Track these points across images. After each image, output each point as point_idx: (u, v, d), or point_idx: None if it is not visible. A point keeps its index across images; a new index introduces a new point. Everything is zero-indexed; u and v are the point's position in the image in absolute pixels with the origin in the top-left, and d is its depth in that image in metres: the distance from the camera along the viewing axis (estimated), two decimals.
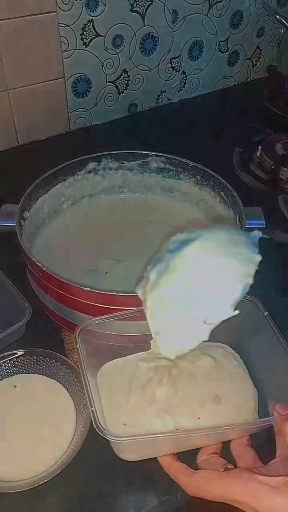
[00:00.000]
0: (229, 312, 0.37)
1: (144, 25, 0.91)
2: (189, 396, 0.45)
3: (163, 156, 0.65)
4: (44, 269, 0.48)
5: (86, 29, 0.85)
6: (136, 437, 0.41)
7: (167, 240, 0.40)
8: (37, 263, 0.48)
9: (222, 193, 0.60)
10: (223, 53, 1.05)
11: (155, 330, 0.39)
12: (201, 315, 0.37)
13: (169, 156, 0.64)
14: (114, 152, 0.65)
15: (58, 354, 0.50)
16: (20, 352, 0.49)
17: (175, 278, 0.37)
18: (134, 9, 0.88)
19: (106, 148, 0.67)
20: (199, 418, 0.44)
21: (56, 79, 0.88)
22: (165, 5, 0.90)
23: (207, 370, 0.48)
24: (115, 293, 0.46)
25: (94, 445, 0.44)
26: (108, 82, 0.94)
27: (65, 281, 0.47)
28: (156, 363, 0.48)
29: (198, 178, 0.63)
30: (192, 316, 0.37)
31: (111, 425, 0.43)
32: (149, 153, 0.65)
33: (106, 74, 0.93)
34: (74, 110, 0.93)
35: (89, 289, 0.46)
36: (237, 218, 0.55)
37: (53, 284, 0.49)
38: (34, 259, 0.49)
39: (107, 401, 0.45)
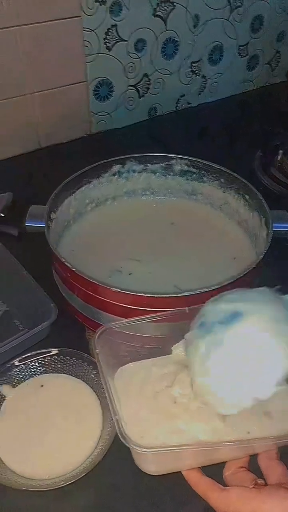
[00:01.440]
0: (272, 390, 0.37)
1: (166, 30, 0.91)
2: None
3: (187, 158, 0.65)
4: (73, 269, 0.48)
5: (109, 33, 0.86)
6: (163, 449, 0.39)
7: (211, 302, 0.40)
8: (66, 264, 0.49)
9: (247, 196, 0.60)
10: (242, 57, 1.05)
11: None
12: (246, 388, 0.37)
13: (193, 158, 0.65)
14: (138, 154, 0.66)
15: (86, 355, 0.50)
16: (54, 351, 0.50)
17: (225, 354, 0.37)
18: (157, 13, 0.88)
19: (126, 151, 0.67)
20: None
21: (79, 82, 0.89)
22: (187, 9, 0.91)
23: None
24: (143, 294, 0.46)
25: (120, 451, 0.43)
26: (129, 86, 0.95)
27: (94, 281, 0.47)
28: (172, 369, 0.47)
29: (222, 181, 0.63)
30: (238, 387, 0.37)
31: (129, 435, 0.41)
32: (173, 155, 0.65)
33: (128, 78, 0.93)
34: (95, 114, 0.94)
35: (118, 289, 0.46)
36: (263, 222, 0.56)
37: (81, 284, 0.50)
38: (63, 260, 0.49)
39: (122, 410, 0.43)
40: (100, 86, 0.91)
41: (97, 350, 0.42)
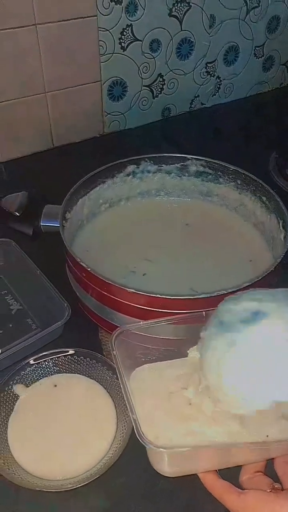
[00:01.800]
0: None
1: (182, 30, 0.91)
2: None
3: (203, 159, 0.64)
4: (89, 269, 0.48)
5: (125, 33, 0.85)
6: (181, 449, 0.39)
7: (229, 301, 0.40)
8: (82, 263, 0.49)
9: (264, 198, 0.59)
10: (258, 58, 1.04)
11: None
12: (266, 388, 0.37)
13: (209, 159, 0.64)
14: (153, 155, 0.66)
15: (99, 355, 0.50)
16: (71, 351, 0.50)
17: (246, 352, 0.37)
18: (172, 13, 0.88)
19: (139, 152, 0.67)
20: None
21: (93, 82, 0.89)
22: (203, 10, 0.90)
23: None
24: (159, 296, 0.46)
25: (135, 452, 0.43)
26: (144, 86, 0.94)
27: (110, 282, 0.47)
28: (187, 371, 0.47)
29: (239, 183, 0.63)
30: (257, 388, 0.37)
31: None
32: (189, 156, 0.65)
33: (142, 78, 0.93)
34: (108, 114, 0.94)
35: (133, 290, 0.46)
36: (281, 224, 0.55)
37: (96, 284, 0.49)
38: (79, 259, 0.49)
39: (137, 410, 0.43)
40: (114, 86, 0.91)
41: (114, 352, 0.41)
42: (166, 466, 0.42)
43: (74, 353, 0.50)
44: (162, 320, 0.44)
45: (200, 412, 0.42)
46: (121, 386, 0.40)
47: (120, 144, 0.95)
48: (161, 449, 0.37)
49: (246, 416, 0.39)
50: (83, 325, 0.57)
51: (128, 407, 0.39)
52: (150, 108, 0.98)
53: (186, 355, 0.46)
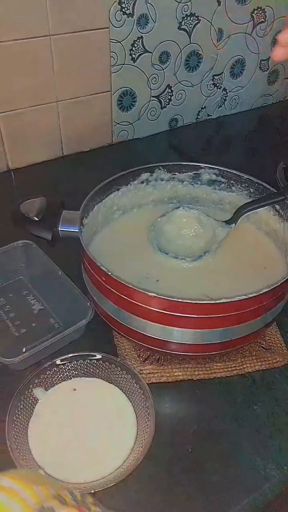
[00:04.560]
0: None
1: (190, 43, 0.93)
2: None
3: (216, 168, 0.65)
4: (109, 273, 0.48)
5: (135, 45, 0.87)
6: None
7: None
8: (102, 268, 0.49)
9: (277, 207, 0.60)
10: (263, 71, 1.07)
11: None
12: None
13: (222, 168, 0.65)
14: (167, 163, 0.67)
15: (118, 359, 0.50)
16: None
17: None
18: (182, 27, 0.90)
19: (148, 161, 0.67)
20: None
21: (103, 92, 0.90)
22: (211, 24, 0.93)
23: None
24: (180, 300, 0.46)
25: (155, 460, 0.43)
26: (152, 96, 0.96)
27: (131, 286, 0.47)
28: None
29: (252, 191, 0.64)
30: None
31: None
32: (202, 165, 0.66)
33: (151, 89, 0.95)
34: (117, 123, 0.95)
35: (154, 294, 0.47)
36: None
37: (115, 288, 0.50)
38: (99, 263, 0.50)
39: None
40: (124, 96, 0.92)
41: None
42: None
43: (93, 357, 0.50)
44: None
45: None
46: None
47: (129, 154, 0.96)
48: None
49: None
50: (98, 330, 0.57)
51: None
52: (158, 118, 1.00)
53: None
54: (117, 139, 0.97)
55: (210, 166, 0.66)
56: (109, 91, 0.90)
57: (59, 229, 0.55)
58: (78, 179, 0.83)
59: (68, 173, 0.88)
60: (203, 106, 1.04)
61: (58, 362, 0.48)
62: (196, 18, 0.90)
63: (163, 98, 0.97)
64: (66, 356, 0.49)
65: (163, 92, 0.97)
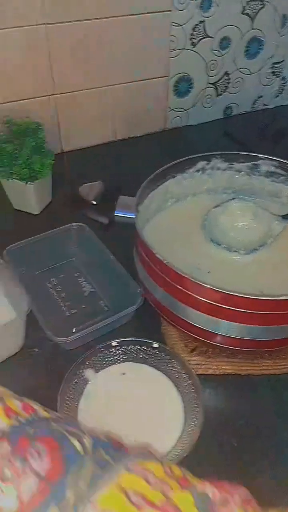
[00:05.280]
0: None
1: (252, 28, 0.90)
2: None
3: (276, 160, 0.63)
4: (165, 262, 0.48)
5: (196, 29, 0.85)
6: None
7: None
8: (158, 256, 0.49)
9: None
10: None
11: None
12: None
13: (282, 160, 0.63)
14: (224, 152, 0.65)
15: (168, 348, 0.50)
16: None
17: None
18: (245, 11, 0.87)
19: (201, 149, 0.66)
20: None
21: (160, 77, 0.89)
22: (276, 9, 0.89)
23: None
24: (237, 294, 0.45)
25: (203, 449, 0.43)
26: (209, 83, 0.94)
27: (186, 276, 0.47)
28: None
29: None
30: None
31: None
32: (261, 155, 0.64)
33: (208, 76, 0.93)
34: (172, 109, 0.94)
35: (210, 286, 0.46)
36: None
37: (169, 277, 0.49)
38: (154, 251, 0.49)
39: None
40: (180, 82, 0.91)
41: None
42: None
43: (143, 343, 0.50)
44: None
45: None
46: None
47: (182, 141, 0.95)
48: None
49: None
50: (146, 317, 0.57)
51: None
52: (213, 106, 0.98)
53: None
54: (170, 125, 0.96)
55: (270, 157, 0.64)
56: (166, 76, 0.89)
57: (115, 214, 0.56)
58: (131, 164, 0.83)
59: (120, 157, 0.88)
60: (260, 95, 1.01)
61: (114, 343, 0.49)
62: (260, 2, 0.87)
63: (220, 85, 0.95)
64: (121, 340, 0.49)
65: (221, 79, 0.94)
